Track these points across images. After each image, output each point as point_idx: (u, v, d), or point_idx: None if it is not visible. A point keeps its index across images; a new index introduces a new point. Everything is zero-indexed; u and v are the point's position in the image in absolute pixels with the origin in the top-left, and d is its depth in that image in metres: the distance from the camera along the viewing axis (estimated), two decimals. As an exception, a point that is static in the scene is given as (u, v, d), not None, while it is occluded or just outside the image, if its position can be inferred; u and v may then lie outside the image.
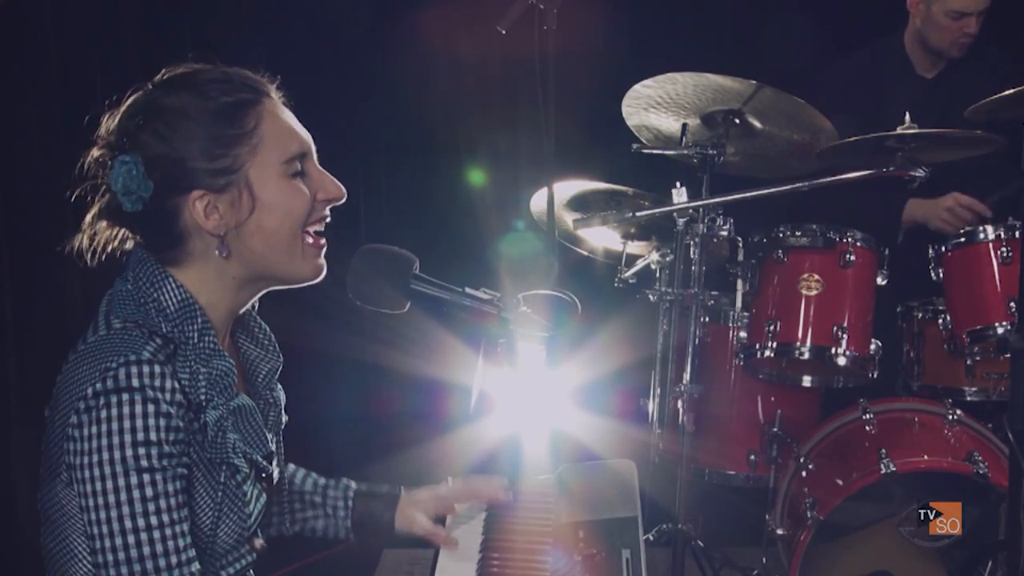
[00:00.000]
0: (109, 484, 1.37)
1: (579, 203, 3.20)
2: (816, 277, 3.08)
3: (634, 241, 3.29)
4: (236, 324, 1.64)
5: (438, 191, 4.46)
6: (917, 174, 2.80)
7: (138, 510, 1.38)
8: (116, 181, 1.47)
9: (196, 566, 1.43)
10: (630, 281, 3.26)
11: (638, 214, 3.02)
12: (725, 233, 3.04)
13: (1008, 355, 2.39)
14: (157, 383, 1.40)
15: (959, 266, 3.07)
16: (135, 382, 1.38)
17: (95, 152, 1.53)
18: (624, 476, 1.98)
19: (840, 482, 2.88)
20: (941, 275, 3.11)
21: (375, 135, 4.26)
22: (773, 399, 3.28)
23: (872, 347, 3.09)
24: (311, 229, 1.56)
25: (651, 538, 3.00)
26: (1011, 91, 2.52)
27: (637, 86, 3.05)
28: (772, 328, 3.08)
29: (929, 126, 2.81)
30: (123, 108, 1.52)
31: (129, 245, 1.57)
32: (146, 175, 1.46)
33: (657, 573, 2.85)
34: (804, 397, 3.33)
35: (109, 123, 1.53)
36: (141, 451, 1.37)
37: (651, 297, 3.22)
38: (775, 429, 3.20)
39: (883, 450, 2.80)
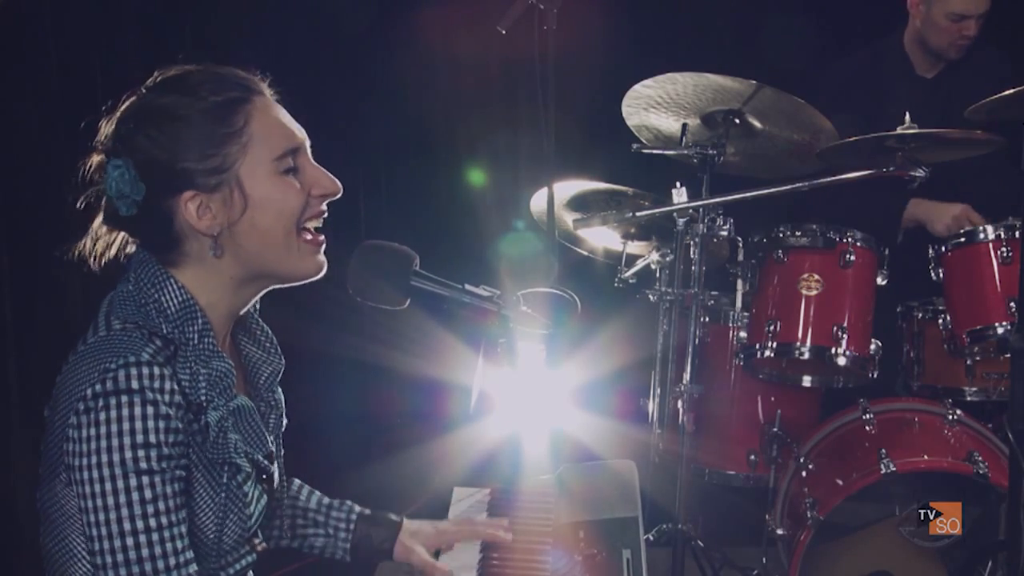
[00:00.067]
0: (108, 486, 1.37)
1: (579, 203, 3.20)
2: (816, 277, 3.08)
3: (634, 241, 3.29)
4: (237, 325, 1.64)
5: (438, 191, 4.46)
6: (917, 174, 2.80)
7: (137, 512, 1.38)
8: (110, 186, 1.48)
9: (194, 567, 1.43)
10: (630, 281, 3.26)
11: (638, 214, 3.02)
12: (725, 233, 3.04)
13: (1008, 355, 2.40)
14: (156, 385, 1.39)
15: (959, 266, 3.07)
16: (134, 384, 1.38)
17: (94, 158, 1.54)
18: (624, 476, 1.98)
19: (840, 482, 2.88)
20: (941, 275, 3.11)
21: (375, 135, 4.26)
22: (773, 399, 3.28)
23: (872, 347, 3.10)
24: (309, 225, 1.56)
25: (651, 538, 3.00)
26: (1011, 91, 2.52)
27: (637, 86, 3.05)
28: (772, 328, 3.08)
29: (929, 126, 2.81)
30: (118, 113, 1.53)
31: (131, 248, 1.57)
32: (138, 178, 1.47)
33: (657, 573, 2.85)
34: (804, 397, 3.33)
35: (106, 128, 1.53)
36: (140, 453, 1.37)
37: (651, 297, 3.21)
38: (775, 429, 3.20)
39: (883, 450, 2.80)
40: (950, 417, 2.96)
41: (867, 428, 3.00)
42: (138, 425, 1.37)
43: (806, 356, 3.07)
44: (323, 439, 3.55)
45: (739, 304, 3.23)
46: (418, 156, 4.43)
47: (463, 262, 4.08)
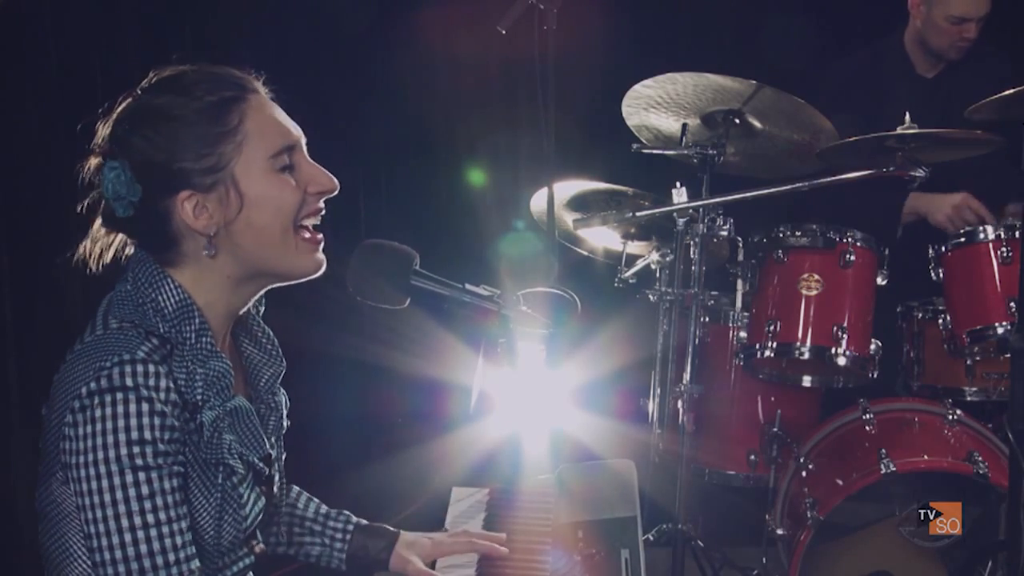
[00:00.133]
0: (104, 483, 1.37)
1: (579, 203, 3.20)
2: (816, 277, 3.08)
3: (634, 241, 3.29)
4: (238, 325, 1.64)
5: (438, 191, 4.46)
6: (917, 174, 2.80)
7: (134, 508, 1.37)
8: (107, 188, 1.48)
9: (195, 563, 1.43)
10: (630, 281, 3.26)
11: (638, 214, 3.02)
12: (725, 233, 3.04)
13: (1008, 355, 2.40)
14: (151, 382, 1.39)
15: (959, 266, 3.07)
16: (129, 381, 1.38)
17: (92, 160, 1.54)
18: (624, 476, 1.98)
19: (840, 482, 2.88)
20: (941, 275, 3.11)
21: (375, 135, 4.26)
22: (773, 399, 3.28)
23: (872, 347, 3.10)
24: (307, 223, 1.55)
25: (651, 538, 3.00)
26: (1011, 91, 2.52)
27: (637, 86, 3.05)
28: (772, 328, 3.08)
29: (929, 126, 2.81)
30: (114, 115, 1.53)
31: (130, 249, 1.57)
32: (134, 179, 1.47)
33: (657, 573, 2.85)
34: (804, 397, 3.33)
35: (103, 131, 1.53)
36: (136, 449, 1.37)
37: (651, 297, 3.22)
38: (775, 429, 3.20)
39: (883, 450, 2.80)
40: (950, 417, 2.96)
41: (867, 428, 3.00)
42: (133, 422, 1.37)
43: (806, 356, 3.07)
44: (323, 439, 3.55)
45: (739, 304, 3.23)
46: (418, 156, 4.42)
47: (463, 262, 4.07)
